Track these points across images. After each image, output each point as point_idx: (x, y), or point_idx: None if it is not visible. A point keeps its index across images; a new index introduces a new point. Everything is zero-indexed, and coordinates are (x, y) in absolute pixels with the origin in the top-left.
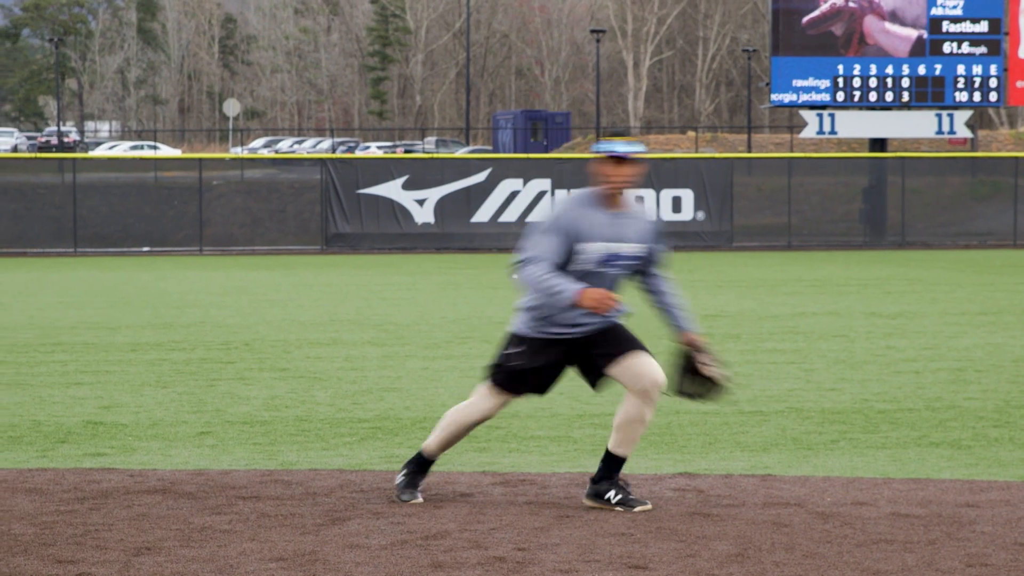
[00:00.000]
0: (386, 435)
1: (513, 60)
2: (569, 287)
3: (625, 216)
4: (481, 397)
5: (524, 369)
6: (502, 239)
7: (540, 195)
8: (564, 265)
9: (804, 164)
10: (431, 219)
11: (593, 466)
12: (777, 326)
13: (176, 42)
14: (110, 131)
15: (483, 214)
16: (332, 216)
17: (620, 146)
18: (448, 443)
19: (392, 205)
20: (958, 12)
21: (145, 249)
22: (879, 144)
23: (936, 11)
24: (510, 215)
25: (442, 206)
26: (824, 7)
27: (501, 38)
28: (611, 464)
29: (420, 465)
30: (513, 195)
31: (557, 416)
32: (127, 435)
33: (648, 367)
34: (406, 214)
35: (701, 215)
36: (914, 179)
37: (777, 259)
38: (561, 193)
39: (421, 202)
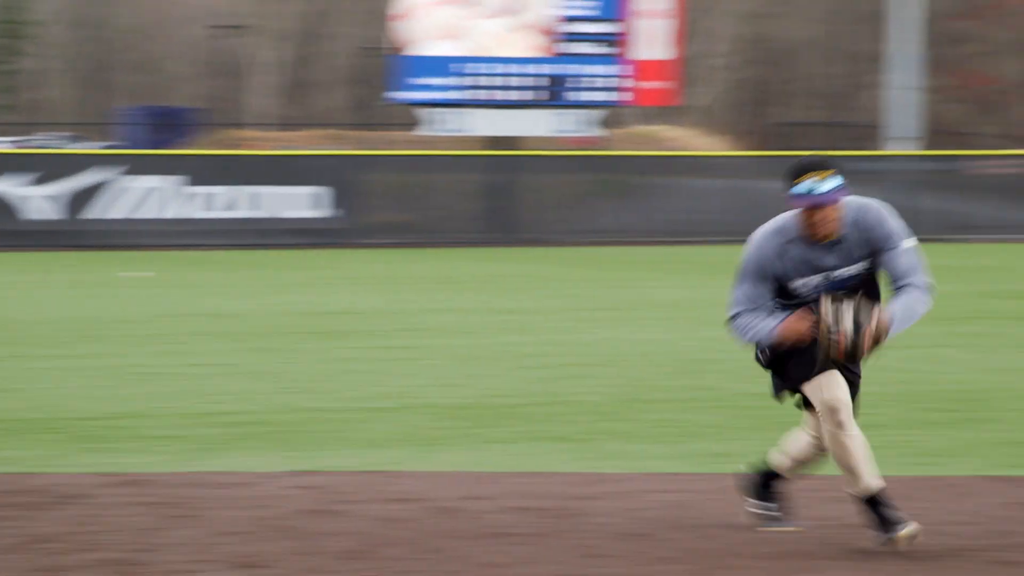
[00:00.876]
0: (5, 437)
1: (142, 54)
2: (767, 331)
3: (838, 242)
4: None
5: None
6: (136, 236)
7: (172, 191)
8: (784, 296)
9: (432, 161)
10: (60, 215)
11: (211, 464)
12: (402, 323)
13: None
14: None
15: (115, 210)
16: None
17: (818, 187)
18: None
19: (18, 201)
20: (583, 13)
21: None
22: (506, 142)
23: (561, 11)
24: (143, 212)
25: (72, 202)
26: (444, 7)
27: (129, 32)
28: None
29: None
30: (144, 191)
31: (176, 416)
32: None
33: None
34: (33, 210)
35: (331, 212)
36: (540, 177)
37: (405, 256)
38: (199, 191)
39: (48, 198)
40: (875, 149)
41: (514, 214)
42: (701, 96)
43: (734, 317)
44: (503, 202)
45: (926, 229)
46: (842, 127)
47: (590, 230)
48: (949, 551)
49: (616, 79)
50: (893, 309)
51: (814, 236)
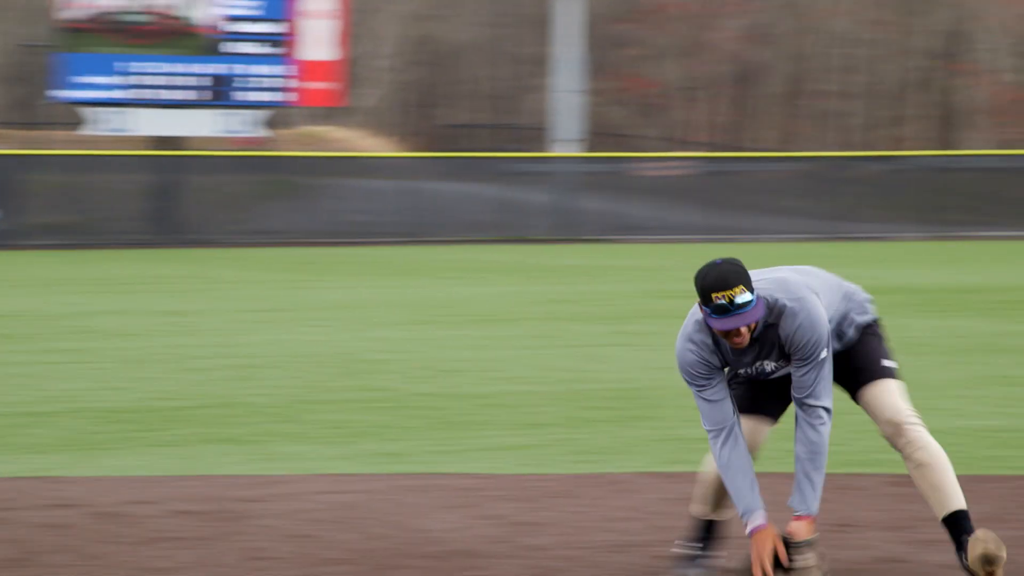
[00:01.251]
0: None
1: None
2: (749, 515)
3: (753, 344)
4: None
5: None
6: None
7: None
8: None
9: (95, 162)
10: None
11: None
12: (64, 325)
13: None
14: None
15: None
16: None
17: (735, 302)
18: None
19: None
20: (247, 12)
21: None
22: (172, 142)
23: (225, 11)
24: None
25: None
26: (103, 5)
27: None
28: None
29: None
30: None
31: None
32: None
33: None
34: None
35: None
36: (206, 177)
37: (68, 258)
38: None
39: None
40: (540, 151)
41: (180, 215)
42: (367, 97)
43: (713, 441)
44: (169, 203)
45: (589, 230)
46: (508, 129)
47: (257, 231)
48: (614, 546)
49: (282, 79)
50: (806, 489)
51: (730, 344)
